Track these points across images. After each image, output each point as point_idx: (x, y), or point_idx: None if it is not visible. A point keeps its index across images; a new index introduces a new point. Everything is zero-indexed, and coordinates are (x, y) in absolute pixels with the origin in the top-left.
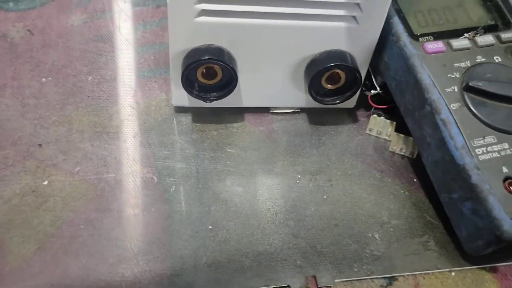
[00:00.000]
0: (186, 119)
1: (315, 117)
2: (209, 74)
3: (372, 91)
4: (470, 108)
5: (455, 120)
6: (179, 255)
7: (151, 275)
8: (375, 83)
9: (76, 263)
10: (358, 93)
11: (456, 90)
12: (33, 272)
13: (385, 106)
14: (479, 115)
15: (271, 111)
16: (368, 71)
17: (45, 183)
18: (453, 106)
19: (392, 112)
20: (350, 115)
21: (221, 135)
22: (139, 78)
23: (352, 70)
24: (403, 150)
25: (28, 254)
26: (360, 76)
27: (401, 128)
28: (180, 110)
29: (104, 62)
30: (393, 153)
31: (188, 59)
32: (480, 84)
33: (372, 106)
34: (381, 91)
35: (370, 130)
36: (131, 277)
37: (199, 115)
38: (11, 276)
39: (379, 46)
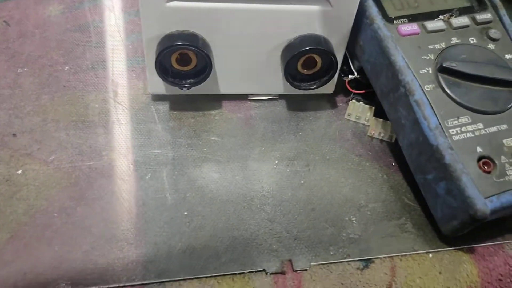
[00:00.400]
0: (164, 107)
1: (294, 103)
2: (183, 60)
3: (350, 76)
4: (444, 89)
5: (429, 101)
6: (154, 241)
7: (124, 262)
8: (352, 68)
9: (49, 251)
10: (335, 78)
11: (430, 71)
12: (6, 261)
13: (363, 91)
14: (453, 95)
15: (249, 98)
16: (345, 56)
17: (19, 172)
18: (427, 88)
19: (370, 97)
20: (329, 101)
21: (199, 122)
22: (116, 67)
23: (327, 54)
24: (382, 135)
25: (1, 243)
26: (336, 60)
27: (380, 113)
28: (158, 98)
29: (81, 52)
30: (372, 137)
31: (162, 45)
32: (454, 65)
33: (351, 92)
34: (358, 76)
35: (349, 115)
36: (105, 264)
37: (177, 103)
38: None
39: (354, 30)
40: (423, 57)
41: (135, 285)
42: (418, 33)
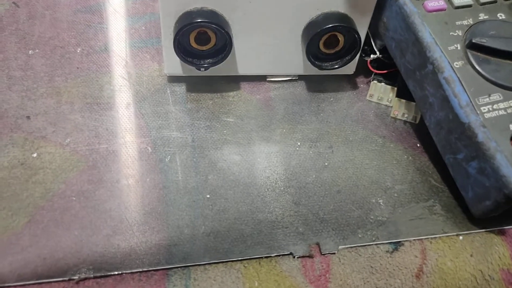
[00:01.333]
0: (180, 88)
1: (314, 84)
2: (202, 39)
3: (372, 56)
4: (474, 66)
5: (458, 78)
6: (176, 225)
7: (147, 246)
8: (374, 47)
9: (68, 236)
10: (357, 58)
11: (459, 48)
12: (24, 245)
13: (385, 71)
14: (483, 72)
15: (268, 79)
16: (367, 36)
17: (34, 155)
18: (456, 64)
19: (392, 78)
20: (350, 82)
21: (217, 104)
22: (130, 48)
23: (351, 31)
24: (405, 115)
25: (18, 228)
26: (360, 38)
27: (402, 94)
28: (174, 80)
29: (93, 33)
30: (395, 118)
31: (180, 22)
32: (483, 41)
33: (372, 72)
34: (380, 55)
35: (371, 96)
36: (127, 249)
37: (193, 85)
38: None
39: (378, 7)
40: (450, 33)
41: (159, 269)
42: (445, 9)
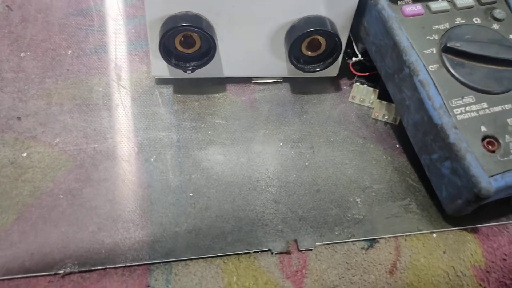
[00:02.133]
0: (168, 90)
1: (298, 86)
2: (187, 42)
3: (354, 59)
4: (449, 69)
5: (433, 81)
6: (160, 222)
7: (131, 242)
8: (356, 50)
9: (56, 232)
10: (339, 60)
11: (434, 51)
12: (13, 241)
13: (367, 74)
14: (457, 75)
15: (253, 81)
16: (349, 39)
17: (24, 154)
18: (432, 68)
19: (374, 80)
20: (333, 84)
21: (203, 106)
22: (119, 51)
23: (332, 35)
24: (386, 117)
25: (7, 224)
26: (340, 41)
27: (384, 96)
28: (162, 82)
29: (83, 36)
30: (376, 120)
31: (165, 26)
32: (458, 45)
33: (355, 75)
34: (362, 58)
35: (353, 97)
36: (111, 244)
37: (181, 87)
38: None
39: (359, 11)
40: (427, 37)
41: (141, 264)
42: (422, 14)
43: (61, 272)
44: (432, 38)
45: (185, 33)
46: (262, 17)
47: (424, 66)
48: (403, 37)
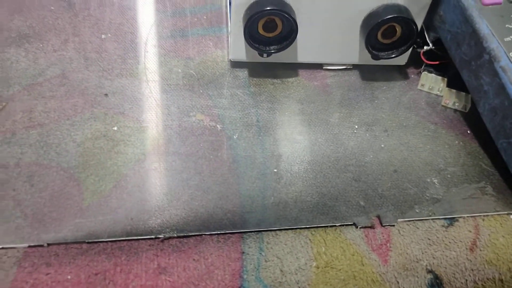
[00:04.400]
0: (243, 73)
1: (367, 73)
2: (269, 27)
3: (425, 47)
4: None
5: None
6: (248, 195)
7: (223, 212)
8: (428, 39)
9: (151, 200)
10: (410, 49)
11: None
12: (112, 207)
13: (438, 62)
14: None
15: (324, 67)
16: (420, 29)
17: (115, 128)
18: None
19: (442, 69)
20: (401, 72)
21: (278, 89)
22: (194, 36)
23: (409, 23)
24: (456, 104)
25: (106, 191)
26: (417, 29)
27: (453, 84)
28: (236, 65)
29: (159, 20)
30: (446, 107)
31: (251, 10)
32: None
33: (422, 63)
34: (433, 47)
35: (422, 85)
36: (205, 214)
37: (255, 70)
38: (90, 210)
39: (434, 1)
40: (506, 25)
41: (235, 232)
42: (501, 3)
43: (161, 236)
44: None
45: (268, 17)
46: (342, 4)
47: (505, 52)
48: (483, 24)
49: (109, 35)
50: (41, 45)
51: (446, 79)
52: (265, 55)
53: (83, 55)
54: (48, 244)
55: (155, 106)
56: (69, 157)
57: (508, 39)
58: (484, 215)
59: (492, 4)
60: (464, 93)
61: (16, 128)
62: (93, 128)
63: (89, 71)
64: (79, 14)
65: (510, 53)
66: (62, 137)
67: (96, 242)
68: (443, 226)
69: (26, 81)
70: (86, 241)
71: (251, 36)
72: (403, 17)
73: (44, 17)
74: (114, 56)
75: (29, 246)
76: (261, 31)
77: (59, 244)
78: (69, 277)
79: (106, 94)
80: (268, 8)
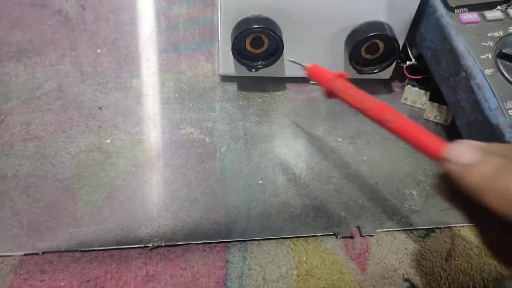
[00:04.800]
0: (232, 87)
1: None
2: (256, 43)
3: (408, 62)
4: (503, 73)
5: (489, 84)
6: (234, 205)
7: (209, 222)
8: (410, 55)
9: (141, 210)
10: (394, 64)
11: (490, 57)
12: (104, 217)
13: (420, 77)
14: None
15: (311, 81)
16: (403, 44)
17: (108, 141)
18: (487, 72)
19: (425, 83)
20: (386, 86)
21: (265, 102)
22: (186, 50)
23: (391, 40)
24: (437, 117)
25: (98, 202)
26: (399, 45)
27: (435, 98)
28: (226, 79)
29: (152, 35)
30: (428, 120)
31: (239, 28)
32: None
33: (407, 77)
34: (416, 62)
35: (405, 99)
36: (192, 224)
37: (244, 84)
38: (83, 220)
39: (416, 19)
40: (482, 43)
41: (220, 242)
42: (478, 22)
43: (149, 245)
44: (488, 44)
45: (256, 34)
46: (326, 22)
47: (481, 70)
48: (460, 43)
49: (104, 49)
50: (39, 60)
51: (428, 93)
52: (253, 70)
53: (79, 69)
54: (43, 252)
55: (147, 120)
56: (64, 168)
57: (483, 56)
58: (460, 226)
59: (469, 23)
60: (445, 107)
61: (14, 141)
62: (87, 141)
63: (84, 85)
64: (76, 28)
65: (486, 71)
66: (58, 149)
67: (88, 251)
68: (420, 236)
69: (24, 95)
70: (79, 249)
71: (239, 52)
72: (385, 35)
73: (42, 31)
74: (109, 70)
75: (25, 254)
76: (248, 47)
77: (53, 252)
78: (62, 283)
79: (100, 108)
80: (254, 27)
